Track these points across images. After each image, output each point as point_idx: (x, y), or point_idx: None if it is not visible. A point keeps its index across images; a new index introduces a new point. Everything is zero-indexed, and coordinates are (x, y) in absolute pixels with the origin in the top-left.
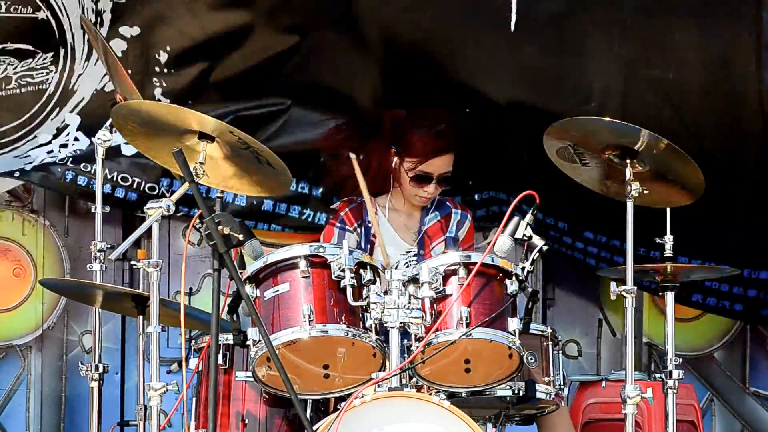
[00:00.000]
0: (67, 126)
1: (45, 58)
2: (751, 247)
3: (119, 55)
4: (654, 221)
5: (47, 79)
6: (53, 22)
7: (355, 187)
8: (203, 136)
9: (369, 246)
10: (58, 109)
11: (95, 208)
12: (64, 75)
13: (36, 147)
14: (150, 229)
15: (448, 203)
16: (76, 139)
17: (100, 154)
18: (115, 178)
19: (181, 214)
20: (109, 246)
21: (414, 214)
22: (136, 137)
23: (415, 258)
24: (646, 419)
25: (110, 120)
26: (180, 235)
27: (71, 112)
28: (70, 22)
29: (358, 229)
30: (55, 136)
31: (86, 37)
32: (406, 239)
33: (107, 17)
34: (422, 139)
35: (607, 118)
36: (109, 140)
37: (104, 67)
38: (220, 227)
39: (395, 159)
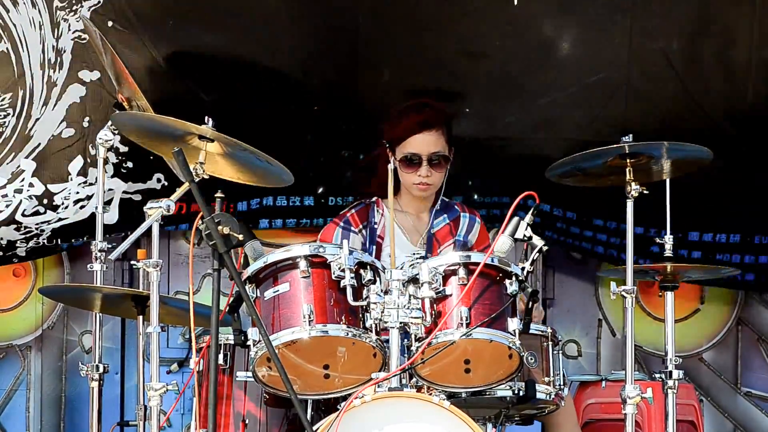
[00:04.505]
0: (22, 171)
1: (3, 99)
2: (761, 212)
3: (77, 100)
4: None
5: (4, 122)
6: (13, 56)
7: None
8: (203, 136)
9: (374, 247)
10: (14, 154)
11: (95, 208)
12: (21, 119)
13: None
14: (150, 229)
15: (456, 207)
16: (30, 185)
17: (101, 153)
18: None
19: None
20: (109, 246)
21: (422, 217)
22: (138, 138)
23: (421, 260)
24: (646, 419)
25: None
26: (180, 235)
27: (26, 157)
28: (30, 59)
29: (363, 231)
30: (10, 181)
31: (45, 78)
32: (413, 241)
33: (67, 58)
34: (406, 119)
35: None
36: (111, 140)
37: (107, 68)
38: (219, 227)
39: (392, 158)
